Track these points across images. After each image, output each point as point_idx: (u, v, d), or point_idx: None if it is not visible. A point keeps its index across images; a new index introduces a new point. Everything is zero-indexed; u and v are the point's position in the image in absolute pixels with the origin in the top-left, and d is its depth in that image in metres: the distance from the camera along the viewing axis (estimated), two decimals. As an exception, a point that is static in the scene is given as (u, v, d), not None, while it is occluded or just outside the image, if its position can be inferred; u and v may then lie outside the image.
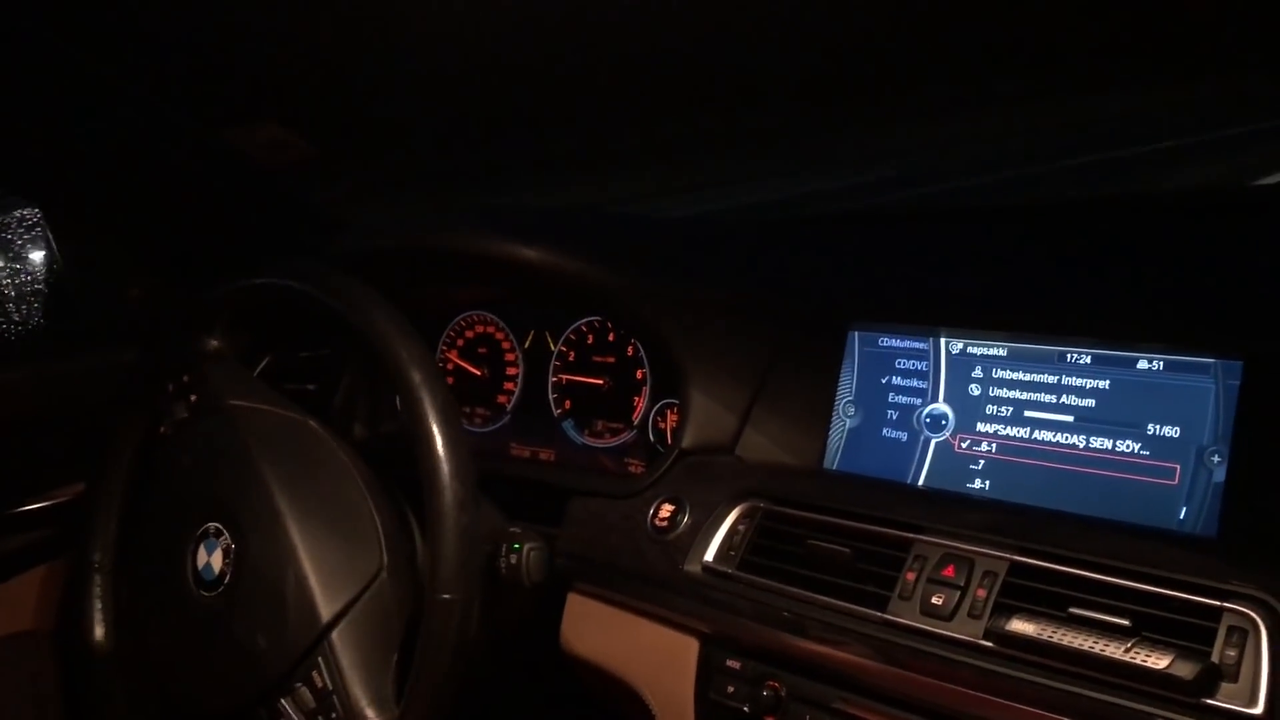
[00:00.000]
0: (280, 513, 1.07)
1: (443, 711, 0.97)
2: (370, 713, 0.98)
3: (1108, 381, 0.99)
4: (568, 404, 1.38)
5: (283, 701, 1.02)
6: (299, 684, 1.01)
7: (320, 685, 0.99)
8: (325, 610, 1.02)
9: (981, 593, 0.92)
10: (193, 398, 1.16)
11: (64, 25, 1.36)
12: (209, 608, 1.08)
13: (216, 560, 1.08)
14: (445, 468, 0.97)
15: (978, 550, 0.94)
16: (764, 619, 1.02)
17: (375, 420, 1.49)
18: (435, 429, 0.98)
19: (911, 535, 0.98)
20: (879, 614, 0.95)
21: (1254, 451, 0.90)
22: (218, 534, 1.09)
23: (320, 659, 1.00)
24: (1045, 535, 0.92)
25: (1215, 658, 0.79)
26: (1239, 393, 0.91)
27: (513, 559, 1.07)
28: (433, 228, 1.35)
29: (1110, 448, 0.97)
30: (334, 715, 0.99)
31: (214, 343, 1.19)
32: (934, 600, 0.93)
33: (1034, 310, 1.04)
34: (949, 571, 0.94)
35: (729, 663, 1.04)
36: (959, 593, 0.92)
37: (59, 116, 1.38)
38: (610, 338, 1.34)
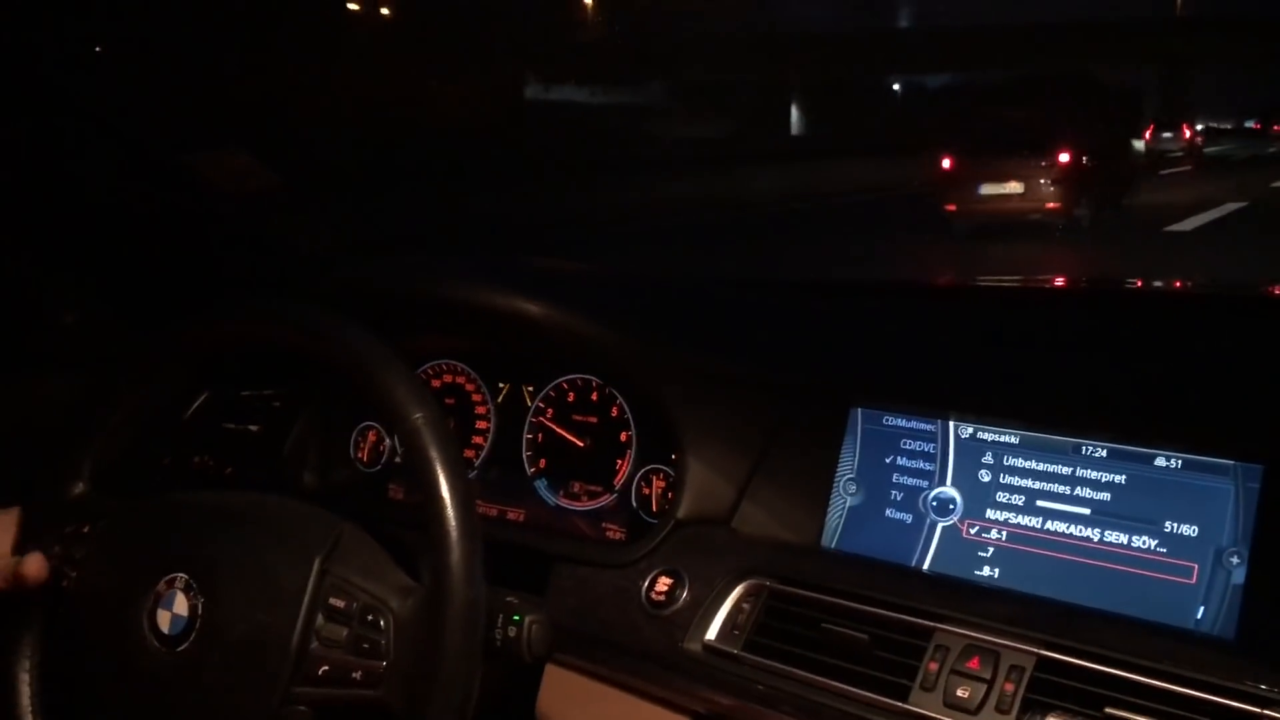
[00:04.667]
0: (230, 517, 1.04)
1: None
2: (395, 602, 0.96)
3: (1124, 476, 0.99)
4: (542, 463, 1.32)
5: (315, 648, 0.95)
6: (322, 622, 0.96)
7: (342, 606, 0.96)
8: (317, 550, 0.98)
9: (1009, 687, 0.90)
10: (85, 529, 1.09)
11: (16, 32, 1.26)
12: (187, 655, 0.99)
13: (181, 606, 1.00)
14: (455, 542, 0.91)
15: (1002, 643, 0.93)
16: (773, 704, 0.98)
17: (327, 468, 1.41)
18: (447, 494, 0.92)
19: (932, 624, 0.97)
20: (900, 704, 0.93)
21: (1275, 555, 0.91)
22: (170, 584, 1.01)
23: (331, 586, 0.97)
24: (1071, 630, 0.92)
25: None
26: (1260, 496, 0.93)
27: (510, 631, 1.01)
28: (431, 275, 1.29)
29: (1126, 543, 0.98)
30: (369, 618, 0.95)
31: (80, 487, 1.13)
32: (959, 693, 0.91)
33: (1048, 402, 1.04)
34: (974, 664, 0.93)
35: None
36: (985, 686, 0.91)
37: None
38: (594, 397, 1.29)
